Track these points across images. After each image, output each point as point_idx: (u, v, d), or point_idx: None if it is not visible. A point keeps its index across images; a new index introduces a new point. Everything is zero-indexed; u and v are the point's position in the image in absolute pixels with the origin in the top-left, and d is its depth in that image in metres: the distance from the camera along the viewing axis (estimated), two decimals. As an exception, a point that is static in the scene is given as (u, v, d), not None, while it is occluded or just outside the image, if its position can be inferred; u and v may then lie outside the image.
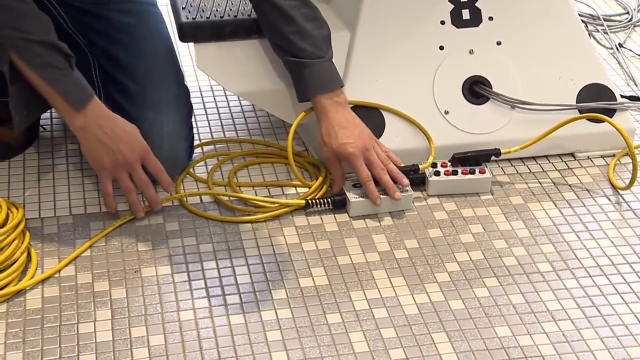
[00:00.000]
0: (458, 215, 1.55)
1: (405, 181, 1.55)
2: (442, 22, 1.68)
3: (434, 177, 1.60)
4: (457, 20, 1.69)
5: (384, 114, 1.65)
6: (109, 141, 1.43)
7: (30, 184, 1.57)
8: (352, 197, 1.54)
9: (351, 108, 1.62)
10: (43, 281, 1.37)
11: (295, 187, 1.61)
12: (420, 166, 1.61)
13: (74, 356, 1.24)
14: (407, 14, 1.67)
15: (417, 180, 1.60)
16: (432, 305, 1.35)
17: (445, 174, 1.60)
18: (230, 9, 1.69)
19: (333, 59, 1.60)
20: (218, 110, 1.84)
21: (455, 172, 1.61)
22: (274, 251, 1.45)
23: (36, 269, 1.39)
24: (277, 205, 1.54)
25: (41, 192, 1.56)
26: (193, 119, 1.67)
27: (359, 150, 1.52)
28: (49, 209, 1.52)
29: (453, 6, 1.69)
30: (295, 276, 1.40)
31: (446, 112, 1.67)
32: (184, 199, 1.54)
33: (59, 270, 1.39)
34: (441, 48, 1.68)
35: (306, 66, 1.55)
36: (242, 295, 1.36)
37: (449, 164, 1.62)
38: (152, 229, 1.49)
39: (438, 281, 1.40)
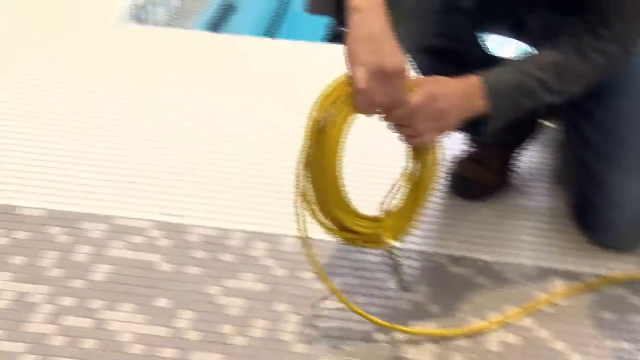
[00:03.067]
0: None
1: None
2: None
3: None
4: None
5: None
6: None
7: (492, 226, 1.58)
8: None
9: None
10: (503, 326, 1.38)
11: None
12: None
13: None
14: None
15: None
16: None
17: None
18: None
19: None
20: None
21: None
22: None
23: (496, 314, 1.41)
24: None
25: (505, 237, 1.56)
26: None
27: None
28: (512, 255, 1.53)
29: None
30: None
31: None
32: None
33: (517, 319, 1.39)
34: None
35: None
36: None
37: None
38: (614, 301, 1.44)
39: None
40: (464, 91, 1.36)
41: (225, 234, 1.55)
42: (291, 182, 1.57)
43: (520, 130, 1.69)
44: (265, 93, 1.95)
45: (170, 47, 2.12)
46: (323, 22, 3.15)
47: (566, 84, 1.41)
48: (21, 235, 1.53)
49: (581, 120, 1.56)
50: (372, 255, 1.49)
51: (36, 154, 1.73)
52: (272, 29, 3.19)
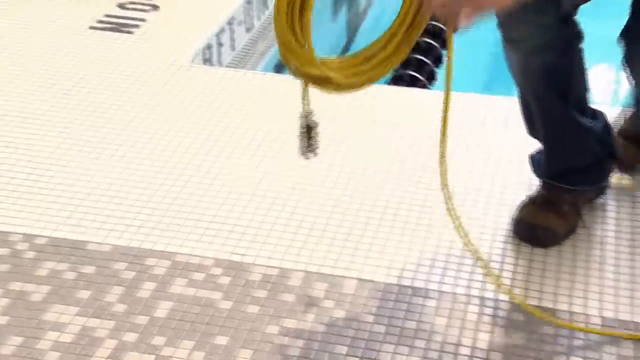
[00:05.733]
0: None
1: None
2: None
3: None
4: None
5: None
6: None
7: (565, 277, 1.55)
8: None
9: None
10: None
11: None
12: None
13: None
14: None
15: None
16: None
17: None
18: None
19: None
20: None
21: None
22: None
23: None
24: None
25: (571, 286, 1.53)
26: None
27: None
28: (579, 305, 1.50)
29: None
30: None
31: None
32: None
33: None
34: None
35: None
36: None
37: None
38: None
39: None
40: None
41: (286, 273, 1.56)
42: (353, 227, 1.60)
43: (592, 176, 1.64)
44: (331, 133, 1.96)
45: (236, 87, 2.16)
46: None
47: None
48: (88, 270, 1.57)
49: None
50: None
51: (104, 189, 1.78)
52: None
